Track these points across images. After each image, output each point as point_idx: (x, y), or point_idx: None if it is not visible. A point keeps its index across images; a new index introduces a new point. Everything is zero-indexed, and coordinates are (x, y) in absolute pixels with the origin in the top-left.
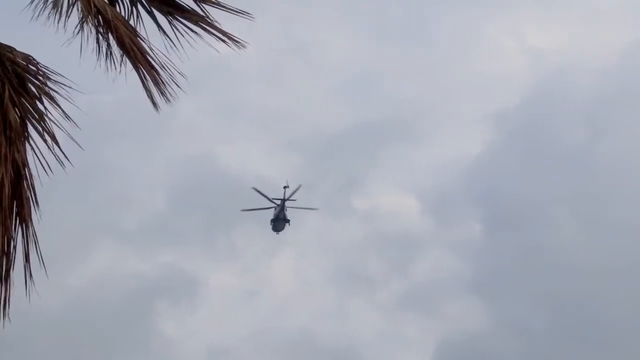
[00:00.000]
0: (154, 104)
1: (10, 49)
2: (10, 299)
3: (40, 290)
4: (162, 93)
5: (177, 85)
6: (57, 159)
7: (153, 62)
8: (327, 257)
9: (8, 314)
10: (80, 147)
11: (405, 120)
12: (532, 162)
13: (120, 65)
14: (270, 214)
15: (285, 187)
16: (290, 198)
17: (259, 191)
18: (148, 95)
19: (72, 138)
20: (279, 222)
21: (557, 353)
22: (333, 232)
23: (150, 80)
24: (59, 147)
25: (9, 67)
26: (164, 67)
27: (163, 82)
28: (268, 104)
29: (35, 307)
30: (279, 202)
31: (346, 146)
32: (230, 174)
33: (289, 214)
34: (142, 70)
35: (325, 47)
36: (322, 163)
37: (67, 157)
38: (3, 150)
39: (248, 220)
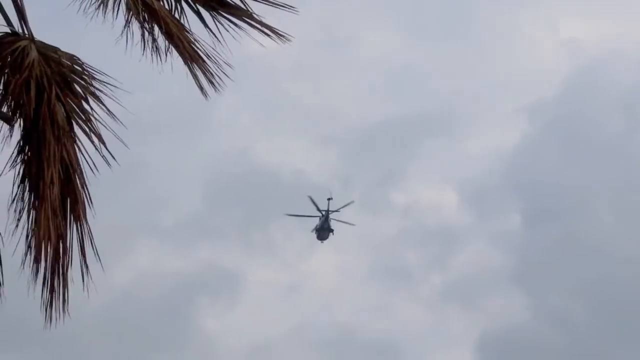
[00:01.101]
0: (203, 92)
1: (55, 50)
2: (69, 296)
3: (85, 287)
4: (211, 82)
5: (226, 74)
6: (104, 159)
7: (200, 52)
8: (366, 251)
9: (67, 310)
10: (126, 146)
11: (442, 113)
12: (571, 153)
13: (166, 57)
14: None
15: (329, 199)
16: (337, 210)
17: (312, 200)
18: (197, 85)
19: (118, 138)
20: (324, 231)
21: (599, 344)
22: (372, 226)
23: (198, 70)
24: (105, 146)
25: (55, 68)
26: (210, 58)
27: (210, 72)
28: (305, 98)
29: (77, 305)
30: (324, 212)
31: (384, 140)
32: (267, 169)
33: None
34: (189, 61)
35: (362, 42)
36: (360, 157)
37: (114, 156)
38: (52, 149)
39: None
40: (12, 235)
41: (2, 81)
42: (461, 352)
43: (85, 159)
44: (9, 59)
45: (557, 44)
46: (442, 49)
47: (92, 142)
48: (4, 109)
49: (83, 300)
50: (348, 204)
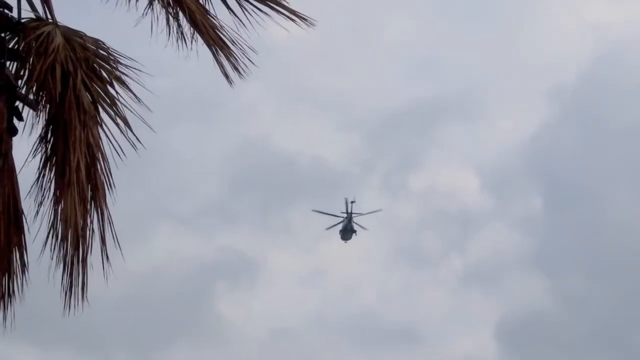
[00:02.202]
0: (228, 78)
1: (81, 35)
2: (88, 282)
3: (106, 273)
4: (236, 68)
5: (250, 60)
6: (130, 142)
7: (224, 38)
8: (387, 236)
9: (87, 297)
10: (152, 130)
11: (463, 97)
12: (592, 137)
13: (191, 43)
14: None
15: (352, 202)
16: (363, 214)
17: (347, 202)
18: (221, 70)
19: (144, 121)
20: (347, 232)
21: (619, 328)
22: (392, 210)
23: (222, 56)
24: (131, 130)
25: (80, 53)
26: (235, 43)
27: (235, 57)
28: (326, 84)
29: (97, 291)
30: (348, 214)
31: (404, 125)
32: (287, 155)
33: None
34: (214, 47)
35: (383, 26)
36: (381, 142)
37: (140, 140)
38: (78, 134)
39: (305, 202)
40: (34, 220)
41: (27, 66)
42: (482, 336)
43: (111, 143)
44: (34, 44)
45: (581, 27)
46: (464, 33)
47: (118, 126)
48: (30, 95)
49: (102, 286)
50: (375, 211)
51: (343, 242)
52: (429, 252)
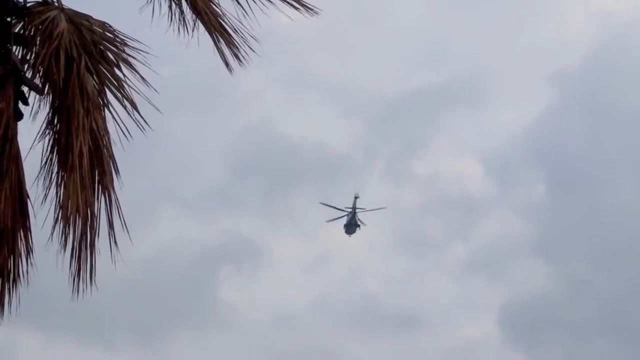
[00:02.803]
0: (228, 66)
1: (87, 17)
2: (96, 266)
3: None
4: (236, 56)
5: (251, 48)
6: (137, 124)
7: (226, 26)
8: (390, 222)
9: (95, 281)
10: (159, 111)
11: (466, 83)
12: (595, 122)
13: (193, 30)
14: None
15: (356, 197)
16: (367, 210)
17: (356, 197)
18: (221, 58)
19: (151, 103)
20: (351, 226)
21: (622, 313)
22: (395, 196)
23: (223, 44)
24: (138, 112)
25: (87, 35)
26: (236, 31)
27: (236, 46)
28: (329, 69)
29: (100, 276)
30: (352, 209)
31: (408, 111)
32: (290, 140)
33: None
34: (215, 34)
35: (387, 12)
36: (384, 128)
37: (147, 122)
38: (81, 120)
39: (308, 187)
40: (42, 205)
41: (33, 51)
42: (485, 321)
43: (118, 125)
44: (39, 29)
45: (586, 14)
46: (470, 20)
47: (125, 108)
48: (36, 80)
49: (107, 270)
50: (379, 209)
51: (347, 236)
52: (432, 239)
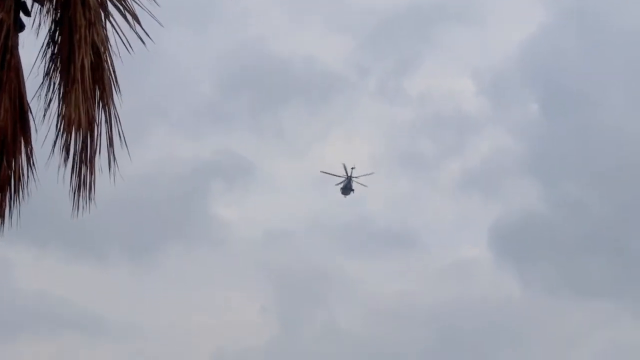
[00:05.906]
0: None
1: None
2: (95, 183)
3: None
4: None
5: None
6: (138, 37)
7: None
8: (381, 140)
9: (94, 198)
10: (160, 25)
11: (462, 1)
12: (591, 41)
13: None
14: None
15: (352, 168)
16: (358, 177)
17: (345, 167)
18: None
19: (152, 16)
20: (347, 190)
21: (613, 232)
22: (387, 114)
23: None
24: (140, 25)
25: None
26: None
27: None
28: None
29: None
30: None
31: (400, 28)
32: (281, 57)
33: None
34: None
35: None
36: (376, 45)
37: (148, 34)
38: (83, 32)
39: (299, 103)
40: (42, 122)
41: None
42: (477, 239)
43: (120, 37)
44: None
45: None
46: None
47: (127, 20)
48: None
49: (102, 187)
50: (368, 174)
51: (343, 196)
52: (425, 158)
